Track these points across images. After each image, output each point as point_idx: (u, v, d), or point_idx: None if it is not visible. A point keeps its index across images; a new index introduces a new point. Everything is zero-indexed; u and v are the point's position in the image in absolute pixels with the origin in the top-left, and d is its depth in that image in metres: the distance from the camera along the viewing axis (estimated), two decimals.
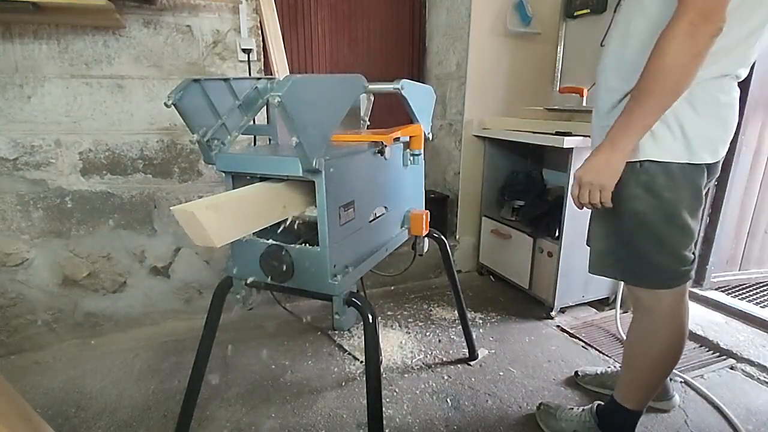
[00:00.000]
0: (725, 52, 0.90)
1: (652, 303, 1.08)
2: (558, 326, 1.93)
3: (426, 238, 1.45)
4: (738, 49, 0.92)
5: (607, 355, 1.71)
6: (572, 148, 1.76)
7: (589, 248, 1.17)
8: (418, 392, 1.51)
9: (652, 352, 1.11)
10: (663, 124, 0.95)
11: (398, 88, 1.20)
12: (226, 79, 1.11)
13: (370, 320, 1.00)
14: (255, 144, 1.82)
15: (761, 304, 2.02)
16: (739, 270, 2.22)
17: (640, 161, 0.98)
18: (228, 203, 0.86)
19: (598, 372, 1.53)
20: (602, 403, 1.28)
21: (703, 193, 1.03)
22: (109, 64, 1.65)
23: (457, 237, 2.48)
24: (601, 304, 2.10)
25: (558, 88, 2.40)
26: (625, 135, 0.92)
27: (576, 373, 1.57)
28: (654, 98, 0.88)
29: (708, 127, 0.96)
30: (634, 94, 0.91)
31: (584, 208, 1.04)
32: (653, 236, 1.01)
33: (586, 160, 1.00)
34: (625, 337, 1.74)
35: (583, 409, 1.30)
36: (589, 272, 1.15)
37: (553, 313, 2.00)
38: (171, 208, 0.85)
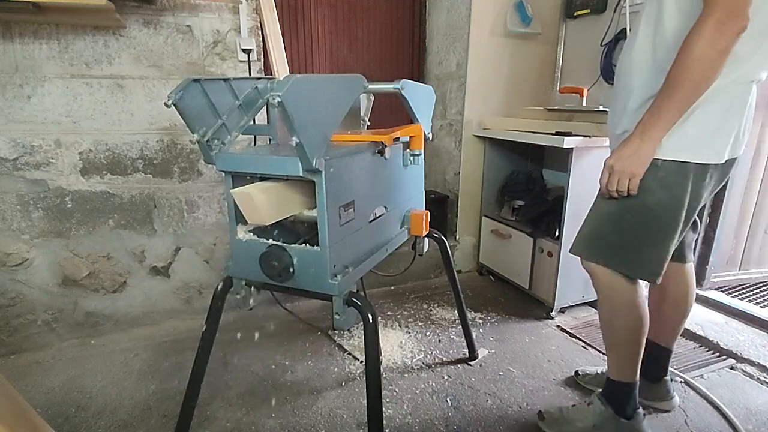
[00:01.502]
0: (750, 54, 0.96)
1: (611, 291, 1.18)
2: (558, 326, 1.93)
3: (426, 238, 1.45)
4: (762, 52, 0.97)
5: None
6: (572, 148, 1.76)
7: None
8: (418, 392, 1.51)
9: (617, 334, 1.22)
10: (691, 125, 1.01)
11: (398, 88, 1.20)
12: (226, 79, 1.11)
13: (370, 320, 1.00)
14: (255, 144, 1.82)
15: (761, 304, 2.02)
16: (739, 270, 2.22)
17: (662, 159, 1.04)
18: (275, 189, 1.00)
19: (599, 372, 1.53)
20: (599, 391, 1.31)
21: (708, 193, 1.10)
22: (109, 64, 1.65)
23: (457, 237, 2.48)
24: None
25: (558, 88, 2.40)
26: (655, 126, 0.98)
27: (576, 372, 1.57)
28: (682, 91, 0.93)
29: (740, 127, 1.03)
30: (663, 87, 0.96)
31: (611, 196, 1.10)
32: (651, 230, 1.08)
33: (616, 150, 1.06)
34: None
35: (590, 403, 1.30)
36: (570, 252, 1.23)
37: (553, 313, 2.00)
38: (231, 190, 0.99)
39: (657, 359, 1.39)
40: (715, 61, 0.89)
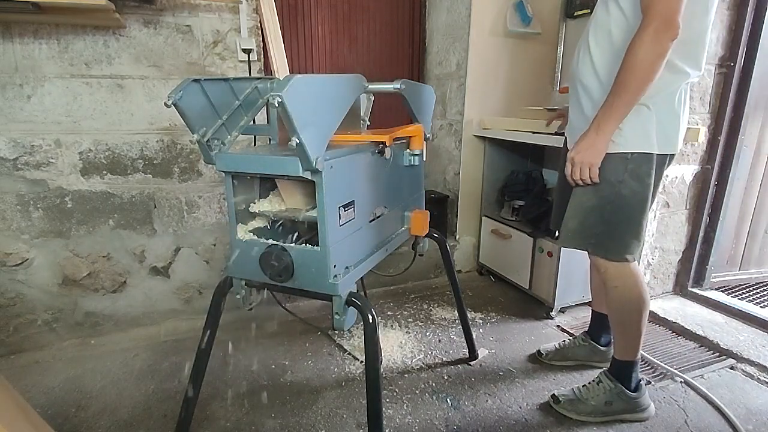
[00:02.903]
0: (686, 59, 1.12)
1: (616, 272, 1.27)
2: (558, 326, 1.93)
3: (426, 238, 1.45)
4: (693, 57, 1.14)
5: None
6: None
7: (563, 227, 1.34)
8: (418, 392, 1.51)
9: (628, 317, 1.31)
10: (651, 121, 1.16)
11: (398, 88, 1.20)
12: (226, 79, 1.11)
13: (370, 320, 1.00)
14: (255, 144, 1.82)
15: (761, 304, 2.02)
16: (739, 270, 2.22)
17: (630, 152, 1.17)
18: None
19: (557, 346, 1.66)
20: (604, 369, 1.42)
21: None
22: (109, 64, 1.65)
23: (457, 237, 2.48)
24: None
25: (558, 88, 2.40)
26: (608, 121, 1.12)
27: (539, 352, 1.67)
28: (630, 91, 1.08)
29: (681, 122, 1.19)
30: (613, 88, 1.10)
31: (576, 184, 1.24)
32: (630, 216, 1.21)
33: (576, 144, 1.19)
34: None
35: (599, 381, 1.39)
36: (560, 245, 1.37)
37: (553, 313, 2.00)
38: (277, 180, 1.09)
39: (607, 327, 1.57)
40: (654, 63, 1.04)
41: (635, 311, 1.30)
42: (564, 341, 1.68)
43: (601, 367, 1.50)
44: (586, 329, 1.66)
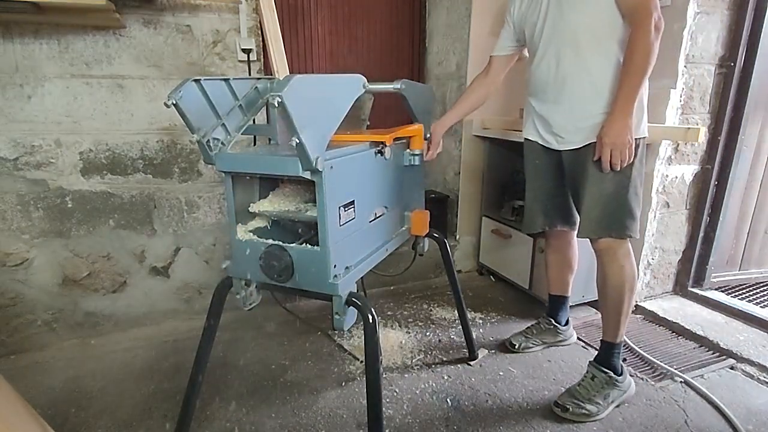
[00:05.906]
0: None
1: (624, 251, 1.38)
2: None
3: (426, 238, 1.45)
4: None
5: None
6: None
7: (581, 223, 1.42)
8: (418, 392, 1.51)
9: (628, 297, 1.40)
10: (642, 108, 1.32)
11: (398, 88, 1.20)
12: (226, 79, 1.11)
13: (370, 320, 1.00)
14: (255, 144, 1.82)
15: (761, 304, 2.02)
16: (739, 270, 2.22)
17: (638, 138, 1.30)
18: None
19: (526, 335, 1.74)
20: (591, 361, 1.47)
21: None
22: (109, 64, 1.65)
23: (457, 237, 2.48)
24: None
25: None
26: (630, 105, 1.24)
27: (511, 344, 1.72)
28: (644, 74, 1.23)
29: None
30: (629, 77, 1.23)
31: (611, 169, 1.30)
32: (637, 194, 1.35)
33: (609, 129, 1.26)
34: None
35: (594, 377, 1.42)
36: (582, 236, 1.41)
37: None
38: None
39: (566, 307, 1.76)
40: (655, 49, 1.21)
41: (631, 288, 1.39)
42: (530, 328, 1.77)
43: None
44: (547, 313, 1.78)
